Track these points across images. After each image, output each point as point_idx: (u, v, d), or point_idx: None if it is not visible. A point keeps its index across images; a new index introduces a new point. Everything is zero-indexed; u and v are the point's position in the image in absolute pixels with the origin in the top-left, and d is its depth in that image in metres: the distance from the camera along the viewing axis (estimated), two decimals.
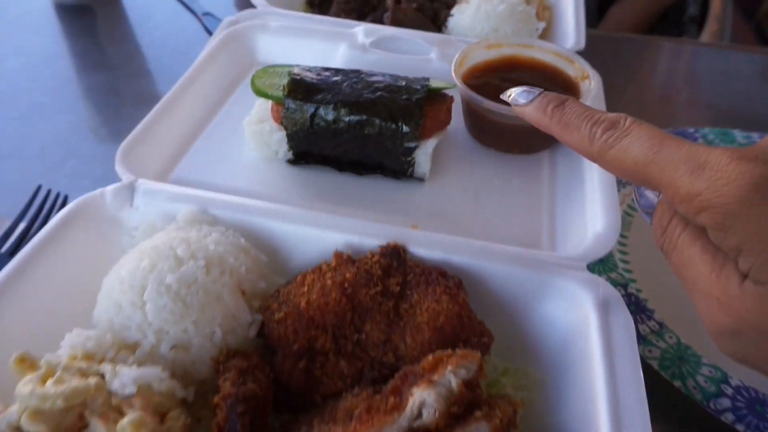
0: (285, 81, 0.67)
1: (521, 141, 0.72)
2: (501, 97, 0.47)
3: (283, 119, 0.66)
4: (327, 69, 0.69)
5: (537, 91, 0.44)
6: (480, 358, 0.44)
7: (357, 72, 0.69)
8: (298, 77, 0.67)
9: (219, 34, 0.87)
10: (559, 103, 0.42)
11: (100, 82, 1.01)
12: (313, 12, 1.06)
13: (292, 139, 0.68)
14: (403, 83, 0.67)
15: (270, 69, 0.70)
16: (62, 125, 0.91)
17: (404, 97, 0.65)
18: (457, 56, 0.74)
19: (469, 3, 0.96)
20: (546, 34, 1.01)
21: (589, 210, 0.61)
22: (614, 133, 0.37)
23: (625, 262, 0.71)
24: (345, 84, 0.67)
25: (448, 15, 1.00)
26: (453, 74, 0.71)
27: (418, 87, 0.67)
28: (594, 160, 0.39)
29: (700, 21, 1.82)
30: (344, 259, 0.54)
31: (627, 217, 0.77)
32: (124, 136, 0.67)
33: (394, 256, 0.55)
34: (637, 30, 1.64)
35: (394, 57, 0.84)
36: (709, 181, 0.33)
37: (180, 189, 0.61)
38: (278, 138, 0.69)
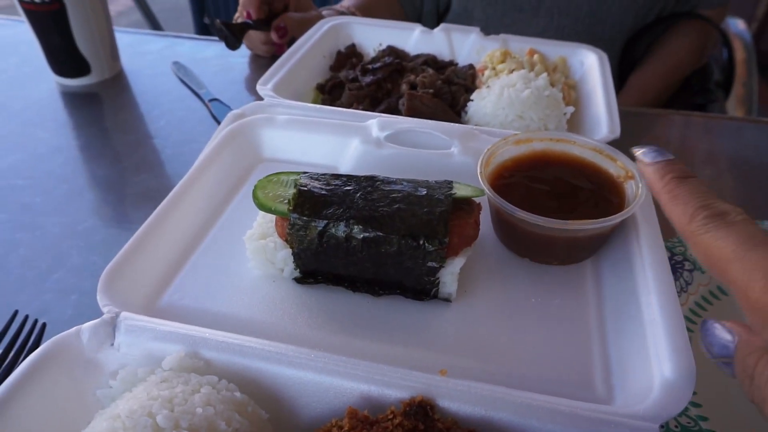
0: (290, 192, 0.60)
1: (560, 252, 0.63)
2: (631, 150, 0.47)
3: (288, 236, 0.58)
4: (337, 176, 0.62)
5: (669, 155, 0.43)
6: None
7: (371, 179, 0.61)
8: (305, 188, 0.59)
9: (222, 130, 0.81)
10: (681, 175, 0.41)
11: (99, 178, 0.95)
12: (324, 98, 1.00)
13: (298, 257, 0.59)
14: (424, 191, 0.59)
15: (274, 177, 0.62)
16: (53, 229, 0.84)
17: (426, 210, 0.57)
18: (482, 156, 0.66)
19: (491, 88, 0.90)
20: (574, 119, 0.93)
21: (651, 341, 0.51)
22: (717, 221, 0.36)
23: (695, 404, 0.60)
24: (358, 195, 0.59)
25: (467, 99, 0.94)
26: (479, 177, 0.63)
27: (441, 197, 0.59)
28: (686, 238, 0.38)
29: (725, 85, 1.76)
30: (360, 420, 0.45)
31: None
32: (117, 244, 0.60)
33: (420, 415, 0.45)
34: (660, 98, 1.58)
35: (411, 152, 0.77)
36: None
37: (167, 326, 0.52)
38: (283, 256, 0.60)
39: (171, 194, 0.67)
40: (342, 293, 0.61)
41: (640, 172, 0.45)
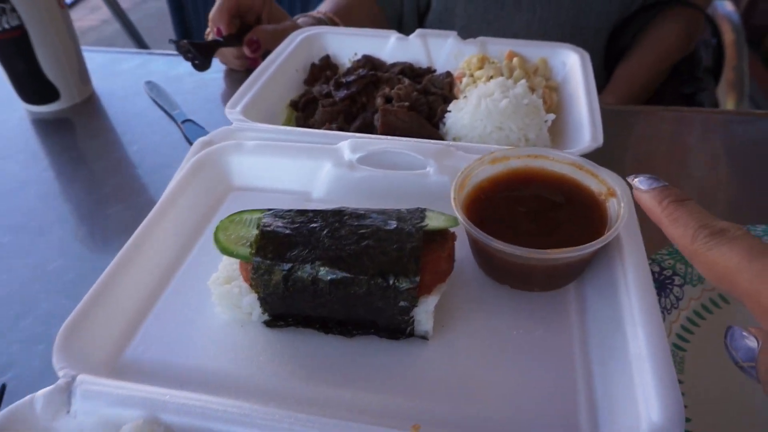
0: (253, 234, 0.56)
1: (540, 279, 0.60)
2: (626, 179, 0.48)
3: (252, 281, 0.55)
4: (303, 212, 0.59)
5: (663, 182, 0.45)
6: None
7: (339, 214, 0.58)
8: (268, 228, 0.56)
9: (189, 160, 0.78)
10: (678, 199, 0.42)
11: (70, 212, 0.93)
12: (298, 116, 0.97)
13: (265, 302, 0.56)
14: (394, 225, 0.56)
15: (236, 217, 0.59)
16: (22, 271, 0.81)
17: (395, 246, 0.54)
18: (456, 179, 0.63)
19: (468, 98, 0.87)
20: (556, 127, 0.90)
21: (637, 379, 0.48)
22: (719, 237, 0.38)
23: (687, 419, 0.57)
24: (324, 233, 0.56)
25: (445, 110, 0.91)
26: (453, 204, 0.60)
27: (412, 229, 0.55)
28: (690, 258, 0.40)
29: (715, 71, 1.72)
30: None
31: (678, 351, 0.64)
32: (88, 284, 0.57)
33: None
34: (649, 87, 1.54)
35: (385, 174, 0.74)
36: None
37: (126, 388, 0.49)
38: (249, 301, 0.57)
39: (133, 237, 0.64)
40: (314, 335, 0.58)
41: (637, 200, 0.46)
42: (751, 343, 0.36)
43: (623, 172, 0.71)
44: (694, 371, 0.62)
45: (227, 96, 1.23)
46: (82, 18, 4.60)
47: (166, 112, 1.16)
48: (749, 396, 0.60)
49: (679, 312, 0.67)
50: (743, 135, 1.09)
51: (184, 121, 1.11)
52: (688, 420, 0.57)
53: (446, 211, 0.60)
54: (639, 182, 0.47)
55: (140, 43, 2.59)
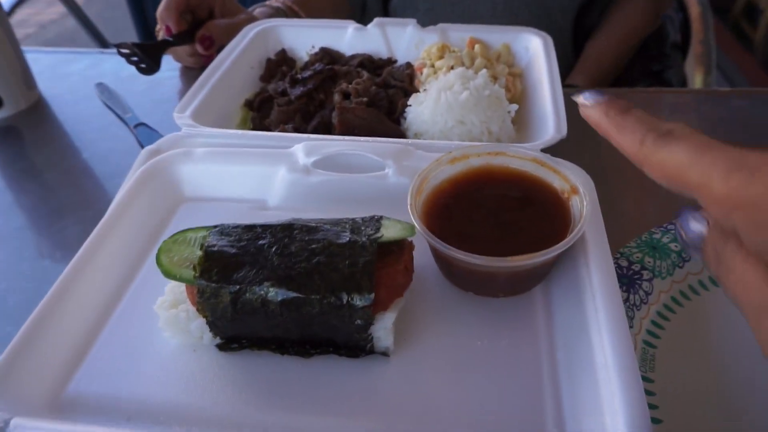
0: (198, 254, 0.53)
1: (504, 285, 0.58)
2: (571, 97, 0.45)
3: (199, 305, 0.52)
4: (251, 228, 0.55)
5: (607, 96, 0.43)
6: None
7: (289, 228, 0.55)
8: (213, 249, 0.53)
9: (135, 171, 0.74)
10: (623, 109, 0.41)
11: (15, 229, 0.87)
12: (253, 116, 0.93)
13: (214, 326, 0.53)
14: (347, 238, 0.53)
15: (180, 237, 0.55)
16: None
17: (348, 261, 0.51)
18: (413, 183, 0.60)
19: (428, 91, 0.83)
20: (520, 117, 0.87)
21: (604, 389, 0.46)
22: (667, 138, 0.37)
23: (656, 421, 0.56)
24: (273, 250, 0.53)
25: (406, 104, 0.87)
26: (410, 210, 0.57)
27: (366, 242, 0.52)
28: (640, 163, 0.39)
29: (683, 46, 1.70)
30: None
31: (648, 348, 0.62)
32: (34, 307, 0.54)
33: None
34: (617, 65, 1.52)
35: (342, 178, 0.71)
36: (744, 178, 0.32)
37: (68, 430, 0.46)
38: (198, 325, 0.54)
39: (75, 259, 0.60)
40: (270, 357, 0.55)
41: (584, 116, 0.44)
42: (701, 226, 0.39)
43: (589, 161, 0.69)
44: (665, 369, 0.61)
45: (183, 95, 1.18)
46: (40, 12, 4.44)
47: (118, 116, 1.11)
48: (722, 391, 0.59)
49: (648, 307, 0.65)
50: (712, 114, 1.08)
51: (137, 125, 1.05)
52: (659, 422, 0.56)
53: (406, 216, 0.57)
54: (584, 98, 0.45)
55: (99, 38, 2.50)
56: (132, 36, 2.13)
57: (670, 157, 0.36)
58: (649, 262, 0.67)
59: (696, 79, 1.75)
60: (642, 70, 1.51)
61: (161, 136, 1.02)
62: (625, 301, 0.63)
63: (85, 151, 1.04)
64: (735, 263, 0.35)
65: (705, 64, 1.74)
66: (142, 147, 1.01)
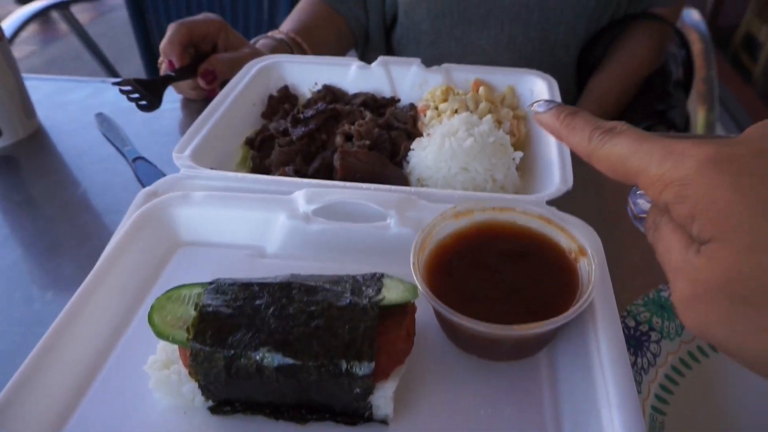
0: (192, 314, 0.51)
1: (508, 350, 0.56)
2: (526, 108, 0.50)
3: (191, 369, 0.50)
4: (247, 286, 0.53)
5: (557, 102, 0.48)
6: None
7: (287, 288, 0.53)
8: (208, 309, 0.51)
9: (131, 215, 0.72)
10: (571, 112, 0.46)
11: (5, 268, 0.85)
12: (254, 155, 0.91)
13: (207, 390, 0.51)
14: (348, 300, 0.51)
15: (174, 294, 0.54)
16: None
17: (348, 326, 0.49)
18: (417, 238, 0.59)
19: (431, 136, 0.82)
20: (525, 164, 0.86)
21: None
22: (610, 133, 0.42)
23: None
24: (271, 311, 0.51)
25: (408, 147, 0.86)
26: (412, 270, 0.55)
27: (366, 304, 0.51)
28: (588, 157, 0.44)
29: (685, 84, 1.70)
30: None
31: (657, 415, 0.60)
32: (24, 353, 0.53)
33: None
34: (620, 102, 1.52)
35: (343, 227, 0.69)
36: (674, 162, 0.37)
37: None
38: (190, 388, 0.52)
39: (65, 311, 0.58)
40: (264, 422, 0.53)
41: (538, 122, 0.49)
42: (646, 203, 0.45)
43: (594, 210, 0.68)
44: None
45: (184, 128, 1.17)
46: (44, 29, 4.47)
47: (117, 148, 1.10)
48: None
49: (656, 370, 0.63)
50: None
51: (135, 159, 1.04)
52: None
53: (407, 269, 0.55)
54: (537, 106, 0.50)
55: (103, 60, 2.50)
56: (136, 57, 2.13)
57: (614, 150, 0.41)
58: (657, 322, 0.65)
59: (699, 117, 1.75)
60: (645, 110, 1.51)
61: (159, 171, 1.02)
62: (633, 364, 0.61)
63: (82, 185, 1.02)
64: (665, 233, 0.39)
65: (708, 101, 1.74)
66: (140, 182, 1.00)
